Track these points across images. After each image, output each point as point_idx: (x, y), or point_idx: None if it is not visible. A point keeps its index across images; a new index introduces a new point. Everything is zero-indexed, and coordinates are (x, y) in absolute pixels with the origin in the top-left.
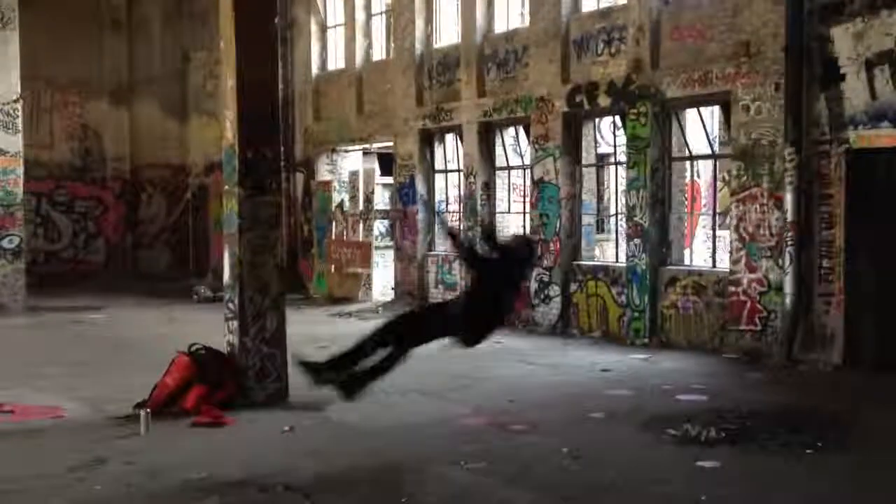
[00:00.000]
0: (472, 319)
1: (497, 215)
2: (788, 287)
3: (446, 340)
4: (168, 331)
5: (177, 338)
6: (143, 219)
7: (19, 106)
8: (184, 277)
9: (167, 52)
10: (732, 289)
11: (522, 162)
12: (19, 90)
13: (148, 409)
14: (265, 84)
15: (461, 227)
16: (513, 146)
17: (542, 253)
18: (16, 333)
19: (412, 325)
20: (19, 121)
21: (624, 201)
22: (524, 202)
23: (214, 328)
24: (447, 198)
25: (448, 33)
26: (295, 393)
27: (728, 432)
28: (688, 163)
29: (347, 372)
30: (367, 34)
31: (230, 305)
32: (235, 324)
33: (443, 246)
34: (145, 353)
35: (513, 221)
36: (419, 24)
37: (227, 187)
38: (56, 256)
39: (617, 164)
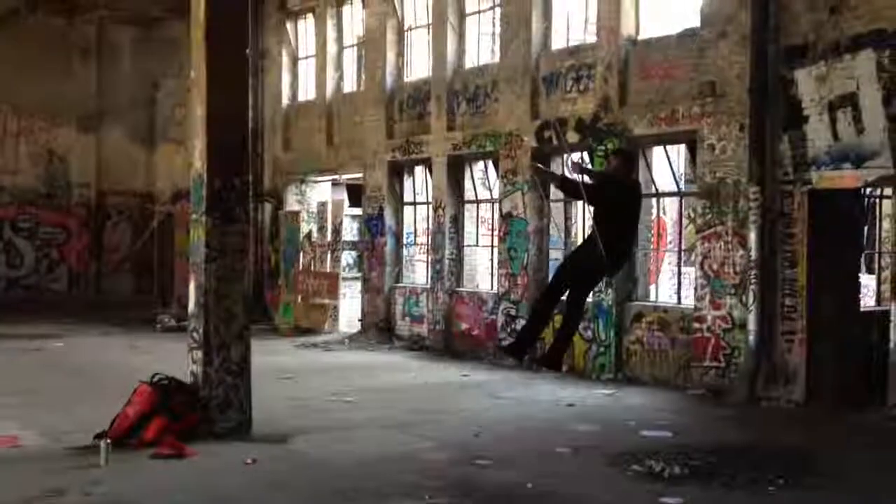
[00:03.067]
0: (607, 243)
1: (465, 248)
2: (752, 324)
3: (598, 279)
4: (130, 360)
5: (139, 367)
6: (107, 246)
7: None
8: (147, 306)
9: (136, 80)
10: (697, 325)
11: (491, 196)
12: None
13: (108, 440)
14: (235, 113)
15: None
16: (482, 180)
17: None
18: None
19: (568, 273)
20: None
21: None
22: (492, 236)
23: (177, 357)
24: (415, 230)
25: (419, 67)
26: (258, 425)
27: (692, 468)
28: (654, 200)
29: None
30: (339, 66)
31: (194, 335)
32: (199, 354)
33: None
34: (106, 383)
35: (481, 255)
36: (390, 57)
37: (194, 216)
38: (18, 283)
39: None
